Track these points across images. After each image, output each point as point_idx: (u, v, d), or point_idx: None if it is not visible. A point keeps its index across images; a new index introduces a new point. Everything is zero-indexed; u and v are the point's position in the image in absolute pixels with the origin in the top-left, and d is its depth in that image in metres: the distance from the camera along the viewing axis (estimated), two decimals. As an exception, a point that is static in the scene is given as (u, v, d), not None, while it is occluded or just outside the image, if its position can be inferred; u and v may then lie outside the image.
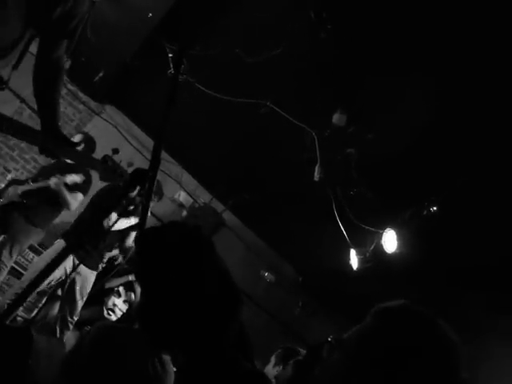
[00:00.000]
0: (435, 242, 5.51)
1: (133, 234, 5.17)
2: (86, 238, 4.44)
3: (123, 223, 4.98)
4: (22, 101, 6.81)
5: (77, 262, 4.92)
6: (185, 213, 7.43)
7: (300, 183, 5.99)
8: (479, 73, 4.22)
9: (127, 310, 6.03)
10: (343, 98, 5.09)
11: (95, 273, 5.09)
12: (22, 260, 5.73)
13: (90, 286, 5.02)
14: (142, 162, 7.82)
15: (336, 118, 5.12)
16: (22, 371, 2.36)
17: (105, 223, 4.84)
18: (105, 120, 7.65)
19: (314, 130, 5.45)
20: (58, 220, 5.55)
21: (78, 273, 4.90)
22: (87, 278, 4.97)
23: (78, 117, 7.60)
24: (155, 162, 2.02)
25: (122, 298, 5.47)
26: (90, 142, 5.33)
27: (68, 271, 4.88)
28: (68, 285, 4.89)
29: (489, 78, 4.21)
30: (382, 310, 1.33)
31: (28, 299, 5.07)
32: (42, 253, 5.59)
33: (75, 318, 4.88)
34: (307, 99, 5.31)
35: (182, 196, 7.69)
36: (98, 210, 5.07)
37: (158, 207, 7.75)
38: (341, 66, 4.96)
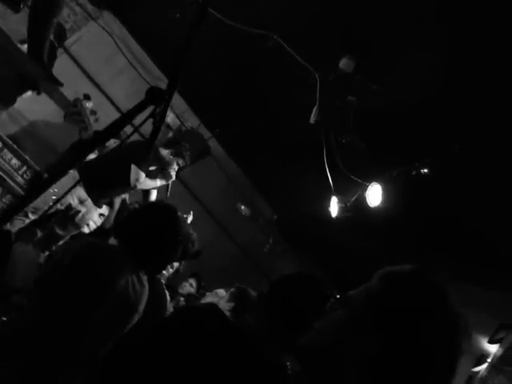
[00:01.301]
0: (419, 204, 5.52)
1: (154, 193, 5.18)
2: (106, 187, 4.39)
3: (149, 183, 4.94)
4: None
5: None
6: (171, 134, 7.28)
7: (294, 123, 5.89)
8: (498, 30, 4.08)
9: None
10: (355, 44, 4.92)
11: (99, 210, 5.01)
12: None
13: (90, 218, 4.95)
14: (133, 76, 7.60)
15: (343, 62, 4.97)
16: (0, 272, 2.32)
17: (132, 181, 4.71)
18: (100, 26, 7.33)
19: (317, 72, 5.30)
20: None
21: (85, 204, 4.81)
22: (91, 211, 4.89)
23: (73, 19, 7.23)
24: (173, 84, 1.91)
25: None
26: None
27: (76, 201, 4.79)
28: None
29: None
30: (392, 274, 1.32)
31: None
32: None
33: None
34: (317, 39, 5.13)
35: (170, 117, 7.51)
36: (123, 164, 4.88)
37: (145, 125, 7.59)
38: (355, 13, 4.78)
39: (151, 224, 2.50)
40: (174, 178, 5.23)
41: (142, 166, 4.60)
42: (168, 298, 3.48)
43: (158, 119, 2.00)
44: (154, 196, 5.32)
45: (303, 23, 5.16)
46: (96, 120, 4.84)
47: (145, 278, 2.55)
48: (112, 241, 5.27)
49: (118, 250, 2.48)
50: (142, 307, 2.51)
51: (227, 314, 4.04)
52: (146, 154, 4.60)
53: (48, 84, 4.70)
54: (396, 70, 4.93)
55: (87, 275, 2.27)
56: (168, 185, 5.26)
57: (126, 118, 1.81)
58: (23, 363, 2.12)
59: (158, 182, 5.07)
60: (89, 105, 5.12)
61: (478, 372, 6.65)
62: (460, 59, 4.43)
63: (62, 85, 3.57)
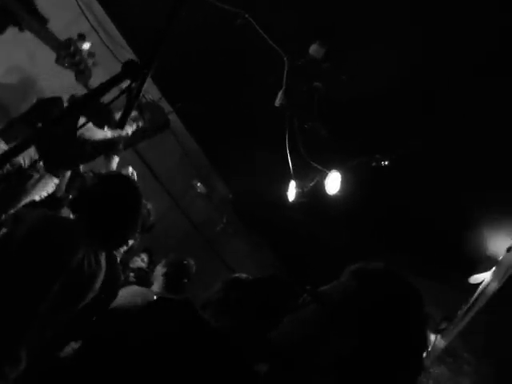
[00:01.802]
0: (376, 194, 5.59)
1: (115, 161, 5.02)
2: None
3: (98, 132, 4.73)
4: None
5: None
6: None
7: (258, 105, 5.83)
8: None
9: (52, 192, 5.83)
10: (327, 30, 4.88)
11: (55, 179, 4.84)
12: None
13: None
14: (95, 41, 7.34)
15: (314, 48, 4.93)
16: None
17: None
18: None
19: (286, 55, 5.24)
20: None
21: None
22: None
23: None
24: (152, 58, 1.82)
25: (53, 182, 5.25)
26: None
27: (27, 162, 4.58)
28: None
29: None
30: (367, 273, 1.31)
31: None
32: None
33: None
34: (288, 23, 5.06)
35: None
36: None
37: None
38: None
39: (112, 196, 2.40)
40: (128, 132, 5.06)
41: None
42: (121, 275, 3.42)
43: (134, 94, 1.91)
44: (114, 164, 5.17)
45: (277, 4, 5.08)
46: (94, 64, 4.60)
47: (102, 254, 2.47)
48: (65, 212, 5.15)
49: (76, 224, 2.38)
50: (97, 285, 2.43)
51: (160, 279, 4.13)
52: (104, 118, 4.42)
53: (34, 20, 4.42)
54: (364, 60, 4.92)
55: (42, 250, 2.18)
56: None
57: (101, 90, 1.73)
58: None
59: (109, 133, 4.85)
60: (85, 46, 4.84)
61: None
62: (427, 54, 4.46)
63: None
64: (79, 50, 4.32)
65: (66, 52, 4.26)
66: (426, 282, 6.13)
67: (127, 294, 3.50)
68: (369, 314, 1.19)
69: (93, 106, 4.36)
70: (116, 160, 5.16)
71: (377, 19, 4.63)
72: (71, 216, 2.52)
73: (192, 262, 4.53)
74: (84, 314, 2.43)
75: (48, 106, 4.72)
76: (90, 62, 4.41)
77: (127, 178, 2.59)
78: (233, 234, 8.49)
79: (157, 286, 4.22)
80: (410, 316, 1.21)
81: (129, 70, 1.77)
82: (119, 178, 2.57)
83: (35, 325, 2.17)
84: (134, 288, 4.07)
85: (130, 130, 5.11)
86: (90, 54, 4.44)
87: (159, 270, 4.32)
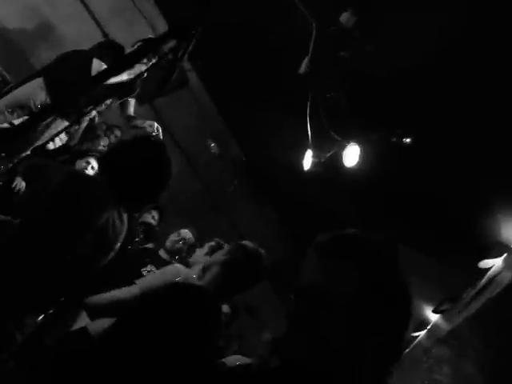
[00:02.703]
0: (393, 171, 5.52)
1: (131, 105, 4.92)
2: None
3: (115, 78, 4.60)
4: None
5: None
6: (152, 61, 6.98)
7: (281, 70, 5.73)
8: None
9: (66, 142, 5.80)
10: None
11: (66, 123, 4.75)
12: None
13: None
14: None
15: (344, 17, 4.82)
16: None
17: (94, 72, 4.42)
18: None
19: (315, 21, 5.11)
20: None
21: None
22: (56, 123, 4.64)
23: None
24: (201, 16, 1.75)
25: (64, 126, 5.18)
26: None
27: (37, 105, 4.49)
28: None
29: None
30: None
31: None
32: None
33: None
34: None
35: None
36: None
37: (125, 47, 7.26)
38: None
39: (142, 161, 2.35)
40: (143, 70, 4.95)
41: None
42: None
43: (180, 56, 1.86)
44: (131, 109, 5.08)
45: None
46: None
47: (125, 215, 2.46)
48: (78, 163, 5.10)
49: (103, 184, 2.35)
50: (118, 245, 2.43)
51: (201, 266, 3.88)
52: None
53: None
54: (394, 34, 4.80)
55: (70, 207, 2.16)
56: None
57: (150, 46, 1.69)
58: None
59: (125, 76, 4.75)
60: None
61: (416, 337, 6.93)
62: (465, 30, 4.33)
63: None
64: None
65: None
66: (434, 262, 6.16)
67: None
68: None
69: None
70: (132, 104, 5.06)
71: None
72: (96, 175, 2.49)
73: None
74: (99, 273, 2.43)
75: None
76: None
77: (159, 142, 2.53)
78: (243, 197, 8.47)
79: (196, 271, 3.84)
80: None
81: (176, 31, 1.71)
82: (151, 141, 2.51)
83: (56, 282, 2.18)
84: (178, 269, 3.81)
85: (143, 67, 4.97)
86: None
87: (201, 258, 3.85)
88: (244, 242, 2.52)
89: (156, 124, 4.79)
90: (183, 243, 4.71)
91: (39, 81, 4.49)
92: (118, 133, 6.49)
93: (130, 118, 5.10)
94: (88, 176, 3.23)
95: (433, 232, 6.01)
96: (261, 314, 8.23)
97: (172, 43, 1.79)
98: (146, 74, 4.94)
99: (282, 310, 9.11)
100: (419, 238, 6.13)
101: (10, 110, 4.38)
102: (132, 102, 5.06)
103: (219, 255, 2.46)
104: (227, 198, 8.26)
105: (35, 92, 4.42)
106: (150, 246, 5.13)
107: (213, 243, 3.97)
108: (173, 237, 4.77)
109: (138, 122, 5.04)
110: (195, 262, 4.06)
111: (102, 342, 2.07)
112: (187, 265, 4.01)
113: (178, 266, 3.77)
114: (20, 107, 4.45)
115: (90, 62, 4.42)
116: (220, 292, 2.29)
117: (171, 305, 1.95)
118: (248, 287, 2.45)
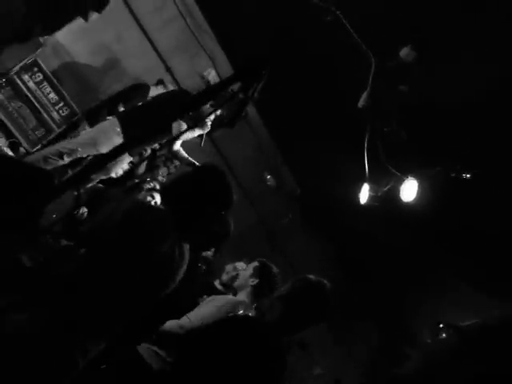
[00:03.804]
0: (451, 207, 5.43)
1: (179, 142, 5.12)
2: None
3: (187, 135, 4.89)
4: None
5: None
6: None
7: (339, 104, 5.76)
8: None
9: (129, 170, 5.98)
10: (420, 35, 4.76)
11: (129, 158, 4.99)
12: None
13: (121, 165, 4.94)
14: (182, 26, 7.44)
15: (404, 52, 4.83)
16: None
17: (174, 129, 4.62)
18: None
19: (374, 56, 5.14)
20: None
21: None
22: (123, 158, 4.86)
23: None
24: (265, 66, 1.81)
25: (129, 160, 5.36)
26: None
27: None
28: None
29: None
30: None
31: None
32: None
33: None
34: (380, 22, 4.96)
35: (212, 75, 7.38)
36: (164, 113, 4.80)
37: (184, 79, 7.47)
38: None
39: (206, 193, 2.38)
40: (209, 127, 5.12)
41: (185, 119, 4.50)
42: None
43: (250, 94, 1.92)
44: (178, 145, 5.24)
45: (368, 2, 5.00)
46: None
47: (187, 247, 2.49)
48: (143, 195, 5.24)
49: (166, 214, 2.40)
50: (179, 277, 2.46)
51: (249, 289, 3.87)
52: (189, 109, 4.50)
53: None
54: (454, 69, 4.78)
55: (135, 236, 2.21)
56: (202, 135, 5.13)
57: (220, 87, 1.75)
58: (49, 310, 2.08)
59: (196, 132, 4.96)
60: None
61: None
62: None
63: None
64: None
65: None
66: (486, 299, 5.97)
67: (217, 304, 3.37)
68: None
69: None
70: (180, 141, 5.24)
71: (471, 29, 4.50)
72: (160, 205, 2.55)
73: (276, 269, 4.22)
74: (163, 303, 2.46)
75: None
76: None
77: (220, 171, 2.54)
78: (296, 231, 8.45)
79: (244, 295, 3.91)
80: None
81: (242, 73, 1.77)
82: (213, 171, 2.54)
83: (116, 310, 2.22)
84: (226, 298, 3.82)
85: (209, 124, 5.16)
86: None
87: (248, 280, 3.86)
88: (306, 275, 2.48)
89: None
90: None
91: (114, 123, 4.73)
92: (177, 163, 6.65)
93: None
94: (152, 205, 3.30)
95: (488, 269, 5.86)
96: (312, 349, 8.10)
97: (237, 84, 1.85)
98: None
99: (334, 346, 8.98)
100: (475, 274, 5.97)
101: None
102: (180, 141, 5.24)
103: (282, 290, 2.45)
104: (282, 231, 8.26)
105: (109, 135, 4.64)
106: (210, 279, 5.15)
107: (256, 263, 3.89)
108: (228, 269, 4.76)
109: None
110: (241, 286, 3.98)
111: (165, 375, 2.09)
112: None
113: (230, 297, 3.77)
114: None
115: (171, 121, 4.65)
116: (284, 328, 2.28)
117: (235, 341, 1.98)
118: (313, 321, 2.42)
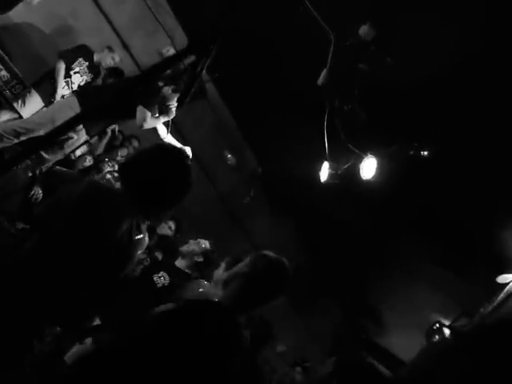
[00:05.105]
0: (410, 184, 5.50)
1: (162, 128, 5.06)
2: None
3: (153, 123, 4.83)
4: None
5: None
6: (168, 71, 7.03)
7: (299, 81, 5.73)
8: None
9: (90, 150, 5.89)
10: (379, 13, 4.76)
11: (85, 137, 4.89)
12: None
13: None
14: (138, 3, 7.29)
15: (364, 30, 4.82)
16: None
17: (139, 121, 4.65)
18: None
19: (334, 33, 5.11)
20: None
21: (76, 132, 4.67)
22: (80, 139, 4.76)
23: None
24: (218, 35, 1.78)
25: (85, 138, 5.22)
26: None
27: None
28: None
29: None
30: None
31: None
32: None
33: None
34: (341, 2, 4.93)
35: (171, 52, 7.28)
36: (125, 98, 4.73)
37: (142, 56, 7.34)
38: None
39: (163, 171, 2.33)
40: (174, 114, 5.06)
41: (149, 106, 4.46)
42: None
43: (199, 70, 1.88)
44: (163, 132, 5.18)
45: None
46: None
47: (144, 226, 2.46)
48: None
49: (122, 195, 2.35)
50: (137, 256, 2.43)
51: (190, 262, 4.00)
52: (153, 95, 4.46)
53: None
54: (412, 47, 4.80)
55: (91, 219, 2.17)
56: (168, 122, 5.07)
57: (168, 63, 1.71)
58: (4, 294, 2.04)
59: (162, 119, 4.90)
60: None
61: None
62: (485, 42, 4.31)
63: None
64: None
65: None
66: (451, 276, 6.10)
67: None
68: None
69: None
70: (163, 128, 5.17)
71: (430, 7, 4.52)
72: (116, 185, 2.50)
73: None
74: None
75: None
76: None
77: (179, 151, 2.48)
78: (257, 208, 8.46)
79: (184, 264, 4.06)
80: None
81: (196, 46, 1.74)
82: (170, 151, 2.48)
83: (75, 293, 2.18)
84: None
85: (174, 110, 5.10)
86: None
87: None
88: (265, 251, 2.47)
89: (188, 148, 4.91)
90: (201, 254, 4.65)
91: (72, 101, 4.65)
92: (135, 143, 6.55)
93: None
94: (108, 186, 3.23)
95: (450, 246, 5.97)
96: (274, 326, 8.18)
97: (191, 58, 1.82)
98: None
99: (297, 322, 9.08)
100: (436, 252, 6.09)
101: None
102: (163, 127, 5.16)
103: (240, 267, 2.43)
104: (243, 210, 8.26)
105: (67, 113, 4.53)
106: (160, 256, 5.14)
107: (228, 259, 3.93)
108: (192, 244, 4.74)
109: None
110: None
111: (116, 356, 2.06)
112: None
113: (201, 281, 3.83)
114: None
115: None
116: (242, 305, 2.28)
117: (186, 323, 1.98)
118: (272, 299, 2.41)
